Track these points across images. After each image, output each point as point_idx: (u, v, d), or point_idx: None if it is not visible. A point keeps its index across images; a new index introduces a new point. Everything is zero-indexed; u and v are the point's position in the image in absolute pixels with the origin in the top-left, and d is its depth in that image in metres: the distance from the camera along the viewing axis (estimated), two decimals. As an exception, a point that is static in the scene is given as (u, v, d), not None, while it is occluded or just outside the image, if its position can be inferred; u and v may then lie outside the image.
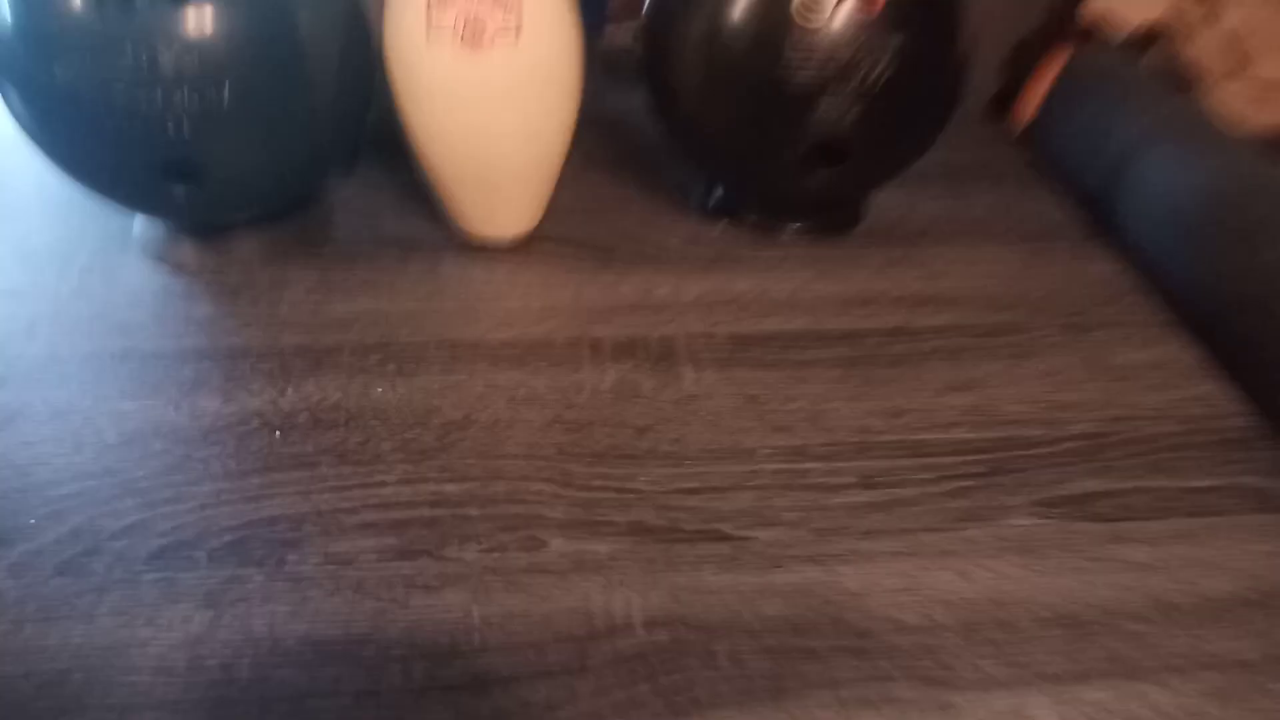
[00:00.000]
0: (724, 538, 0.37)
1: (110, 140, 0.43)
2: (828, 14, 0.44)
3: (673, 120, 0.53)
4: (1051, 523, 0.39)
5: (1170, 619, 0.35)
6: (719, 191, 0.57)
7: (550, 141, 0.50)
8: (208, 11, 0.41)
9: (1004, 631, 0.34)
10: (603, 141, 0.63)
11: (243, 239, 0.52)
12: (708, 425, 0.43)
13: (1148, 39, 0.67)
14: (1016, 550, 0.38)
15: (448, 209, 0.52)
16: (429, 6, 0.43)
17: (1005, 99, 0.73)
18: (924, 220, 0.58)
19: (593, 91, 0.50)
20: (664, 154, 0.57)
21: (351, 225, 0.55)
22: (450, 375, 0.44)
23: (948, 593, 0.36)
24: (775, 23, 0.45)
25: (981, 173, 0.63)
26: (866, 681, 0.33)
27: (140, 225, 0.52)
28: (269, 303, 0.48)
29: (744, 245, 0.55)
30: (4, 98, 0.43)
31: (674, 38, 0.50)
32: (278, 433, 0.41)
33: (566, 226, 0.55)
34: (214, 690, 0.31)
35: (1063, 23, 0.71)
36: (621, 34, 0.71)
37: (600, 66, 0.54)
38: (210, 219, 0.51)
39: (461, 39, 0.43)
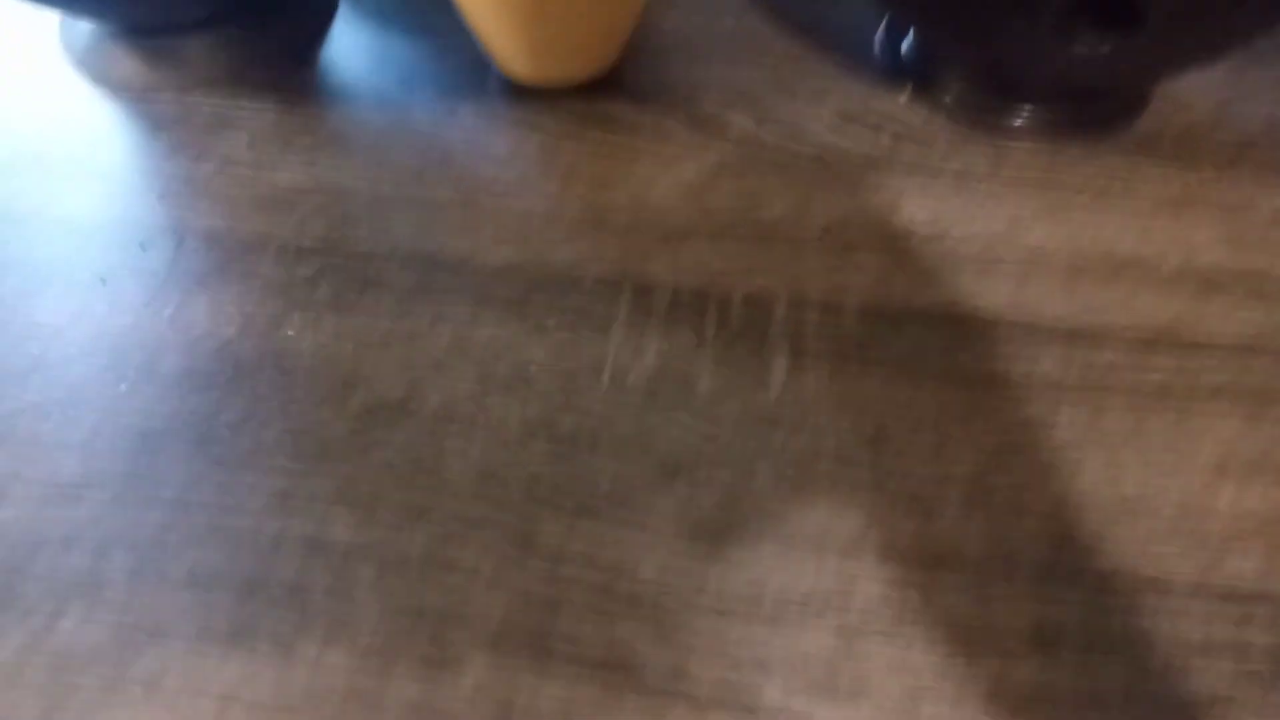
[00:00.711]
0: (755, 709, 0.21)
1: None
2: None
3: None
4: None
5: None
6: (911, 40, 0.36)
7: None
8: None
9: None
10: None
11: (198, 49, 0.36)
12: (790, 478, 0.25)
13: None
14: None
15: (476, 34, 0.34)
16: None
17: None
18: (1249, 126, 0.35)
19: None
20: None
21: (347, 44, 0.38)
22: (406, 316, 0.28)
23: None
24: None
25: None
26: None
27: (67, 27, 0.37)
28: (192, 156, 0.33)
29: (933, 135, 0.34)
30: None
31: None
32: (123, 386, 0.27)
33: (658, 72, 0.36)
34: None
35: None
36: None
37: None
38: (153, 18, 0.36)
39: None
